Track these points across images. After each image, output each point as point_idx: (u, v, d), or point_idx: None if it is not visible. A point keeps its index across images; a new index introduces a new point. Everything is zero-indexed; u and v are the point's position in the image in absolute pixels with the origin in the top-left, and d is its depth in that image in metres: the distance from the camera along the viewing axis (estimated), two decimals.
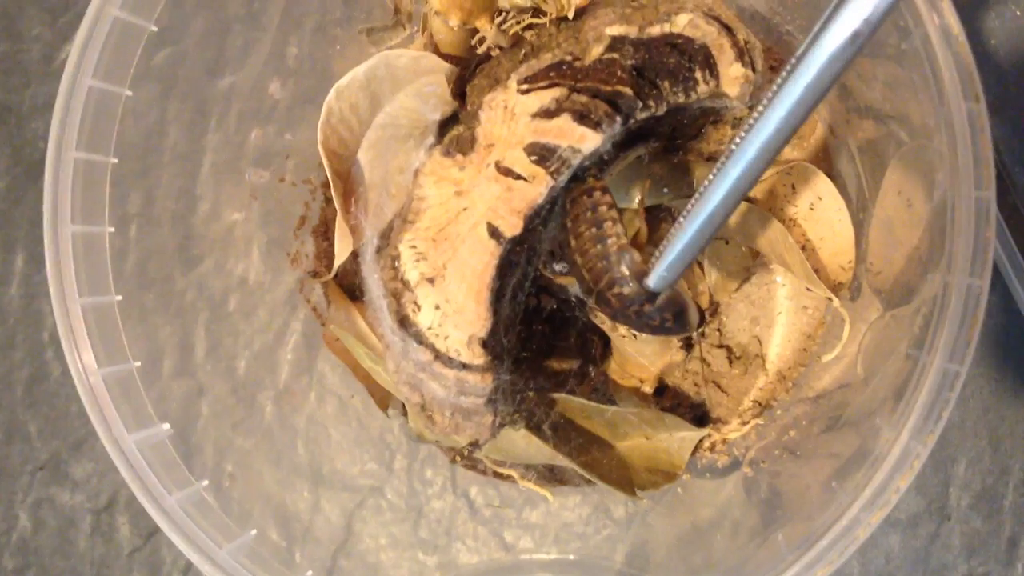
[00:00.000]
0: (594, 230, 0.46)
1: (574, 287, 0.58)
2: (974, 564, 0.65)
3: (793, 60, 0.35)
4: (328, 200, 0.63)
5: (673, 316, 0.46)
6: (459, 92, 0.55)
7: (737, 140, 0.37)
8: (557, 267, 0.55)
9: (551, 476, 0.61)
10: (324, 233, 0.63)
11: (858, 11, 0.32)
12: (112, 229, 0.48)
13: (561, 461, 0.56)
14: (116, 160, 0.48)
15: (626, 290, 0.46)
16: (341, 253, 0.56)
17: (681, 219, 0.41)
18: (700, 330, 0.61)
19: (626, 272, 0.46)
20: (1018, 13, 0.64)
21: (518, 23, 0.51)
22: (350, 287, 0.62)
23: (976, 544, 0.65)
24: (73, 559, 0.67)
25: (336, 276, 0.61)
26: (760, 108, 0.36)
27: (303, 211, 0.63)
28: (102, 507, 0.68)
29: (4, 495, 0.67)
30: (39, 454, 0.67)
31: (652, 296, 0.45)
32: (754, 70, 0.46)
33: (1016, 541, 0.65)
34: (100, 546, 0.67)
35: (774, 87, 0.36)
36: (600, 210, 0.46)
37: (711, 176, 0.39)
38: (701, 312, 0.48)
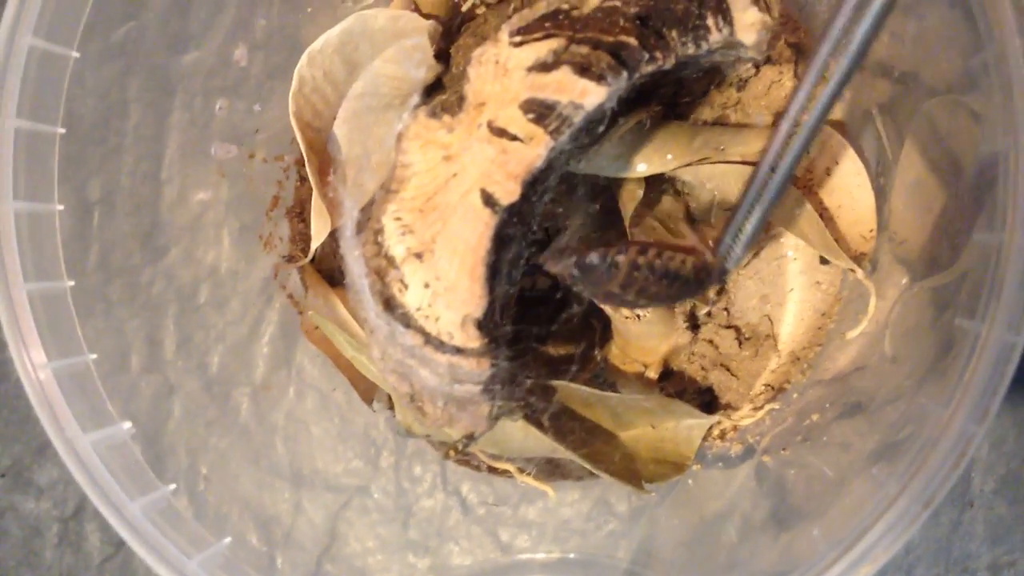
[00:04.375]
0: (664, 282, 0.44)
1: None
2: (999, 552, 0.63)
3: None
4: (303, 179, 0.60)
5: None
6: (443, 55, 0.51)
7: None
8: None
9: (550, 470, 0.59)
10: (299, 214, 0.61)
11: None
12: (61, 207, 0.43)
13: (562, 454, 0.52)
14: (64, 131, 0.43)
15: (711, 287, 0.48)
16: (318, 234, 0.53)
17: (751, 190, 0.39)
18: (706, 311, 0.58)
19: (712, 279, 0.46)
20: None
21: None
22: (329, 272, 0.59)
23: (1001, 531, 0.63)
24: (40, 570, 0.65)
25: (313, 260, 0.58)
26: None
27: (276, 191, 0.60)
28: (69, 515, 0.66)
29: None
30: (0, 460, 0.65)
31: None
32: (770, 15, 0.42)
33: None
34: (68, 556, 0.65)
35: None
36: (656, 264, 0.43)
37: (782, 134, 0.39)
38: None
